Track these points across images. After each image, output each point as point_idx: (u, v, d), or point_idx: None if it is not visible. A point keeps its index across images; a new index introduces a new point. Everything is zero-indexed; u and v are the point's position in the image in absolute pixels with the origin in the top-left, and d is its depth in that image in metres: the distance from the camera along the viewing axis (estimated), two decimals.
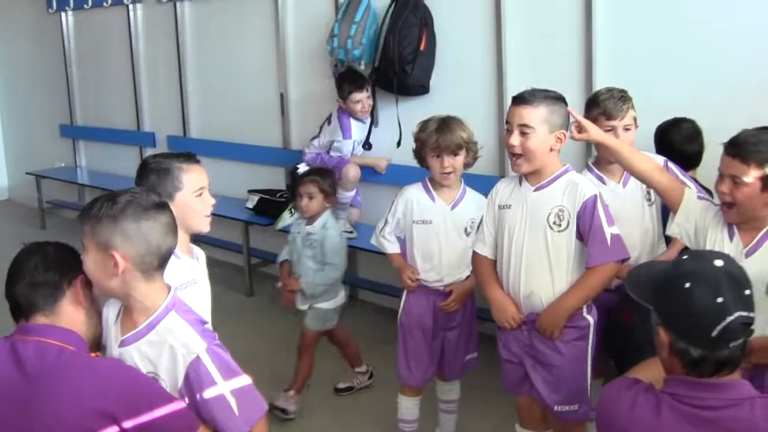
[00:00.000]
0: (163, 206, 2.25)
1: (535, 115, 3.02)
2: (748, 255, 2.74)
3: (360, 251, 5.48)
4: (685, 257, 2.13)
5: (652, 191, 3.41)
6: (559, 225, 3.09)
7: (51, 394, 2.05)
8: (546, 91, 3.11)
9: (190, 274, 2.72)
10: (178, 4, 6.82)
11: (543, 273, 3.11)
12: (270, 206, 5.90)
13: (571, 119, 3.07)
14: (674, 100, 4.04)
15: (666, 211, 3.25)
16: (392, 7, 5.13)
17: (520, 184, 3.19)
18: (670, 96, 4.11)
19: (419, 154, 3.64)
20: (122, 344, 2.25)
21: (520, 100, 3.08)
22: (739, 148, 2.69)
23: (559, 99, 3.10)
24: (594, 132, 3.06)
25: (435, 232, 3.63)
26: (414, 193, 3.69)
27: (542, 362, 3.15)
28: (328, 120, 5.40)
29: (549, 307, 3.07)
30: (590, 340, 3.14)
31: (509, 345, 3.25)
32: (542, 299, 3.10)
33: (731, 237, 2.80)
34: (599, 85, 4.32)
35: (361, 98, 5.19)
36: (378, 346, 4.91)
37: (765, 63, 3.98)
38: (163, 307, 2.22)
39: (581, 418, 3.19)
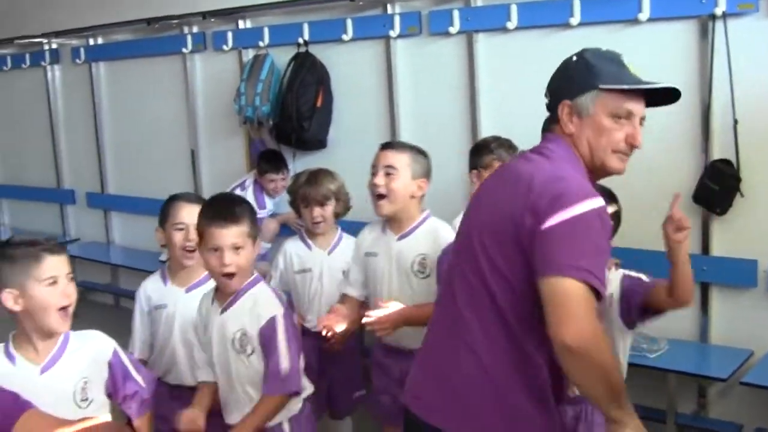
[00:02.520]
0: None
1: (400, 159, 3.28)
2: None
3: None
4: None
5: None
6: (423, 272, 3.28)
7: None
8: (410, 144, 3.39)
9: None
10: (93, 65, 6.97)
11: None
12: None
13: None
14: None
15: None
16: (291, 66, 5.34)
17: (384, 232, 3.38)
18: None
19: (293, 204, 3.86)
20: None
21: (387, 145, 3.40)
22: None
23: (421, 152, 3.35)
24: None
25: (315, 278, 3.81)
26: (291, 246, 3.88)
27: None
28: (242, 185, 5.52)
29: None
30: None
31: (384, 381, 3.48)
32: (413, 341, 3.21)
33: None
34: (483, 135, 4.59)
35: (276, 179, 5.35)
36: None
37: None
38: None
39: None
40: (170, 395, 3.25)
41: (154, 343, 3.36)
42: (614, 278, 2.83)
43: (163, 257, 6.13)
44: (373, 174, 3.33)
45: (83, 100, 7.13)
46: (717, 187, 3.95)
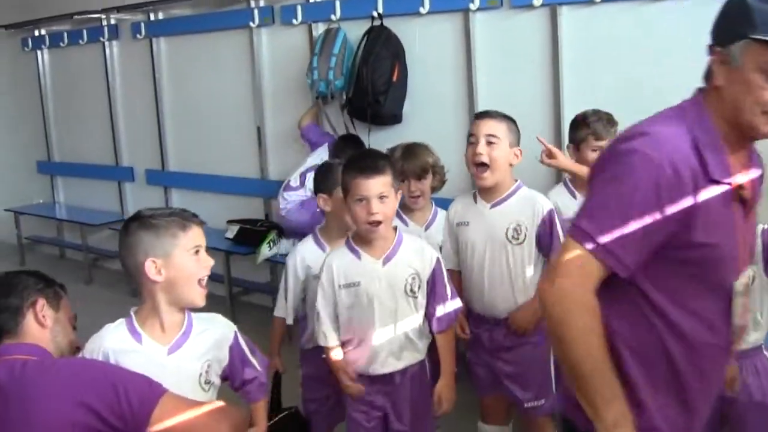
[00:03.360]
0: None
1: (500, 127, 3.29)
2: None
3: None
4: None
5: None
6: (517, 239, 3.32)
7: (26, 401, 2.12)
8: (504, 113, 3.39)
9: None
10: (154, 41, 6.94)
11: (504, 286, 3.34)
12: (250, 236, 6.00)
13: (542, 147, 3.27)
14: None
15: None
16: (365, 40, 5.29)
17: (475, 201, 3.41)
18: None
19: None
20: None
21: (485, 114, 3.36)
22: None
23: (513, 121, 3.37)
24: (562, 160, 3.26)
25: None
26: None
27: (512, 363, 3.39)
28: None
29: (523, 308, 3.29)
30: None
31: (478, 351, 3.46)
32: (504, 310, 3.35)
33: None
34: (566, 113, 4.53)
35: None
36: None
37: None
38: None
39: (547, 411, 3.44)
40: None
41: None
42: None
43: (229, 234, 6.14)
44: (473, 143, 3.31)
45: (143, 76, 7.10)
46: None
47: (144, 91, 7.15)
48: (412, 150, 3.81)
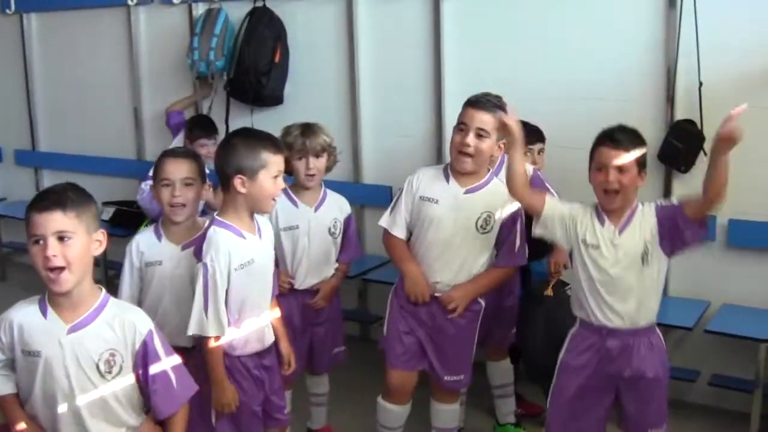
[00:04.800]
0: None
1: (492, 122, 3.33)
2: (620, 233, 3.08)
3: None
4: None
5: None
6: (485, 228, 3.43)
7: None
8: (497, 98, 3.41)
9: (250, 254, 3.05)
10: (24, 16, 6.72)
11: (457, 269, 3.45)
12: (127, 218, 5.90)
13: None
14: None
15: None
16: (247, 21, 5.31)
17: (448, 182, 3.47)
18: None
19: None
20: None
21: (480, 105, 3.37)
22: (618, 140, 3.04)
23: (503, 108, 3.37)
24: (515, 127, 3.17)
25: (301, 234, 3.78)
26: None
27: (439, 337, 3.50)
28: None
29: (461, 287, 3.41)
30: (479, 322, 3.55)
31: (408, 319, 3.53)
32: (444, 288, 3.47)
33: (602, 222, 3.12)
34: (447, 95, 4.67)
35: (208, 144, 5.24)
36: None
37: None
38: None
39: (463, 386, 3.65)
40: None
41: (142, 301, 3.29)
42: (648, 213, 3.09)
43: (105, 216, 6.01)
44: (463, 131, 3.38)
45: (12, 53, 6.85)
46: (681, 145, 4.14)
47: (13, 69, 6.89)
48: (311, 127, 3.81)
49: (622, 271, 3.07)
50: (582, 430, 3.21)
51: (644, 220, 3.09)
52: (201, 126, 5.35)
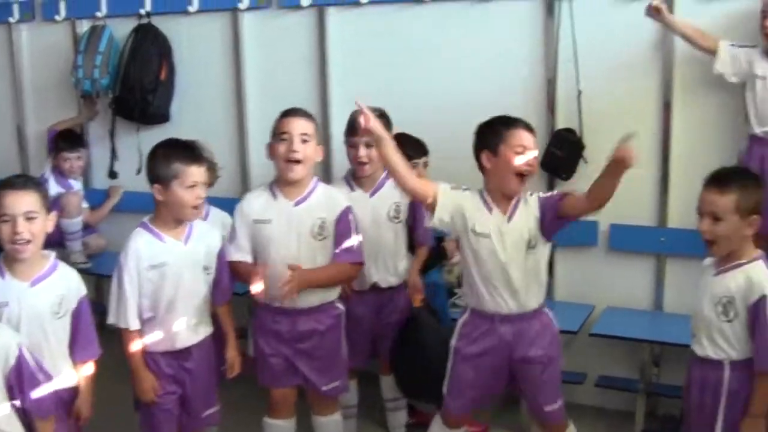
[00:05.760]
0: None
1: (312, 126, 3.49)
2: (509, 220, 3.18)
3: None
4: None
5: (400, 211, 3.85)
6: (321, 235, 3.45)
7: None
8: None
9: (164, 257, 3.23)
10: None
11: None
12: None
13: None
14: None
15: None
16: (132, 38, 5.25)
17: (275, 198, 3.47)
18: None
19: None
20: None
21: (297, 112, 3.50)
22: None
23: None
24: (377, 127, 3.15)
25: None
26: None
27: (305, 348, 3.50)
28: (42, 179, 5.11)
29: (303, 271, 3.36)
30: (342, 326, 3.58)
31: (271, 341, 3.52)
32: (303, 298, 3.44)
33: (490, 210, 3.20)
34: (333, 110, 4.71)
35: (71, 158, 5.21)
36: None
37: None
38: None
39: (341, 391, 3.65)
40: None
41: None
42: (532, 201, 3.20)
43: None
44: (286, 140, 3.40)
45: None
46: (562, 154, 4.24)
47: None
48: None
49: (510, 258, 3.16)
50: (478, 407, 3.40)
51: (528, 209, 3.20)
52: (65, 139, 5.35)
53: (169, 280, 3.24)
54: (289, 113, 3.50)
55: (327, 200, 3.51)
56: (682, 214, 4.12)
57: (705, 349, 2.99)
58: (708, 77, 3.99)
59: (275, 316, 3.50)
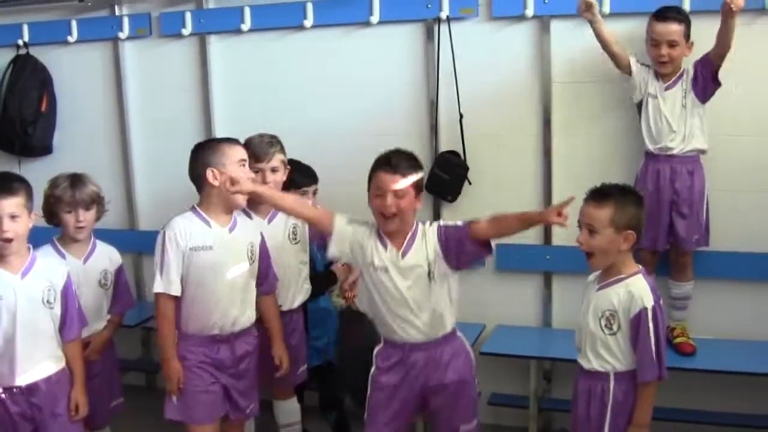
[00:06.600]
0: None
1: (240, 154, 3.53)
2: (403, 256, 3.19)
3: None
4: None
5: (297, 233, 3.91)
6: (251, 258, 3.54)
7: None
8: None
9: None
10: None
11: (237, 302, 3.51)
12: None
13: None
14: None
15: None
16: (10, 69, 5.12)
17: (210, 225, 3.47)
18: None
19: (52, 210, 3.69)
20: None
21: (232, 141, 3.58)
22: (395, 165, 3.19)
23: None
24: (245, 185, 3.28)
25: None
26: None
27: (241, 373, 3.57)
28: None
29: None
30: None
31: (210, 370, 3.50)
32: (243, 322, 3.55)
33: (384, 246, 3.22)
34: (219, 131, 4.72)
35: None
36: None
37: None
38: None
39: (254, 413, 3.75)
40: None
41: None
42: (430, 233, 3.22)
43: None
44: (224, 173, 3.40)
45: None
46: (447, 176, 4.29)
47: None
48: (79, 178, 3.72)
49: (412, 291, 3.19)
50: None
51: (426, 241, 3.21)
52: None
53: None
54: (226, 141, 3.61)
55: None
56: (566, 231, 4.13)
57: (590, 362, 3.07)
58: (585, 98, 4.12)
59: (215, 344, 3.50)
